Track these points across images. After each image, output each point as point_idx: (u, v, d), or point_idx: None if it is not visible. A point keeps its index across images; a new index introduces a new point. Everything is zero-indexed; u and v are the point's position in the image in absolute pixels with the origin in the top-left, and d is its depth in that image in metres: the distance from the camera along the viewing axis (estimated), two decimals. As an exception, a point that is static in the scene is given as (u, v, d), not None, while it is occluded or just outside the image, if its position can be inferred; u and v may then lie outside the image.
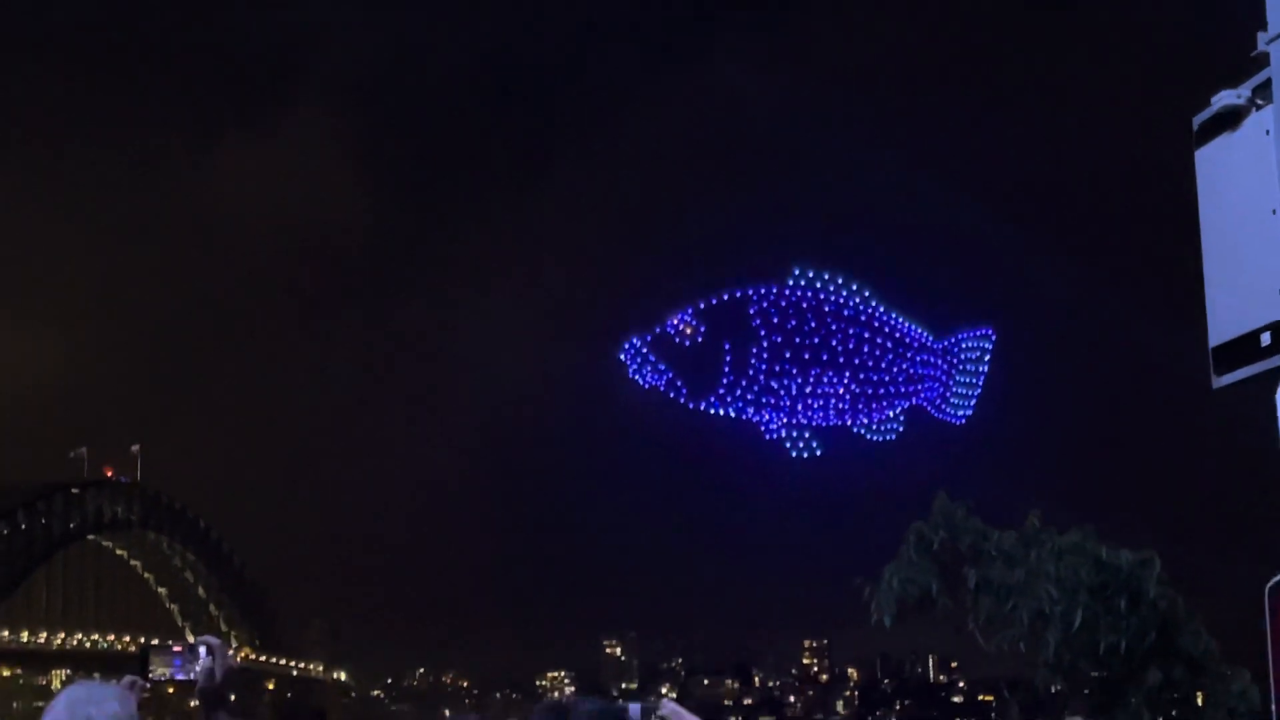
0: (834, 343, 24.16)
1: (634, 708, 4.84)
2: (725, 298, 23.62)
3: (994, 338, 27.21)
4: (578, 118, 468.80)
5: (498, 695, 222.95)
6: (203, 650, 5.39)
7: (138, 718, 4.76)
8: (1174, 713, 17.94)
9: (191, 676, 5.37)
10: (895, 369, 25.21)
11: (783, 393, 23.66)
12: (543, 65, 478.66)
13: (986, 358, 26.98)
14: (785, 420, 23.78)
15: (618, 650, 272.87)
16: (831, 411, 24.27)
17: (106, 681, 5.00)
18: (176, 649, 5.56)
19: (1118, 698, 17.39)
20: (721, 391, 23.28)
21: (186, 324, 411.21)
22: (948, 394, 26.47)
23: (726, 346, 23.35)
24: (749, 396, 23.45)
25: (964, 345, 26.83)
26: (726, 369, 23.29)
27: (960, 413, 26.71)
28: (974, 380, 26.90)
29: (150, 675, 5.50)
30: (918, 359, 25.77)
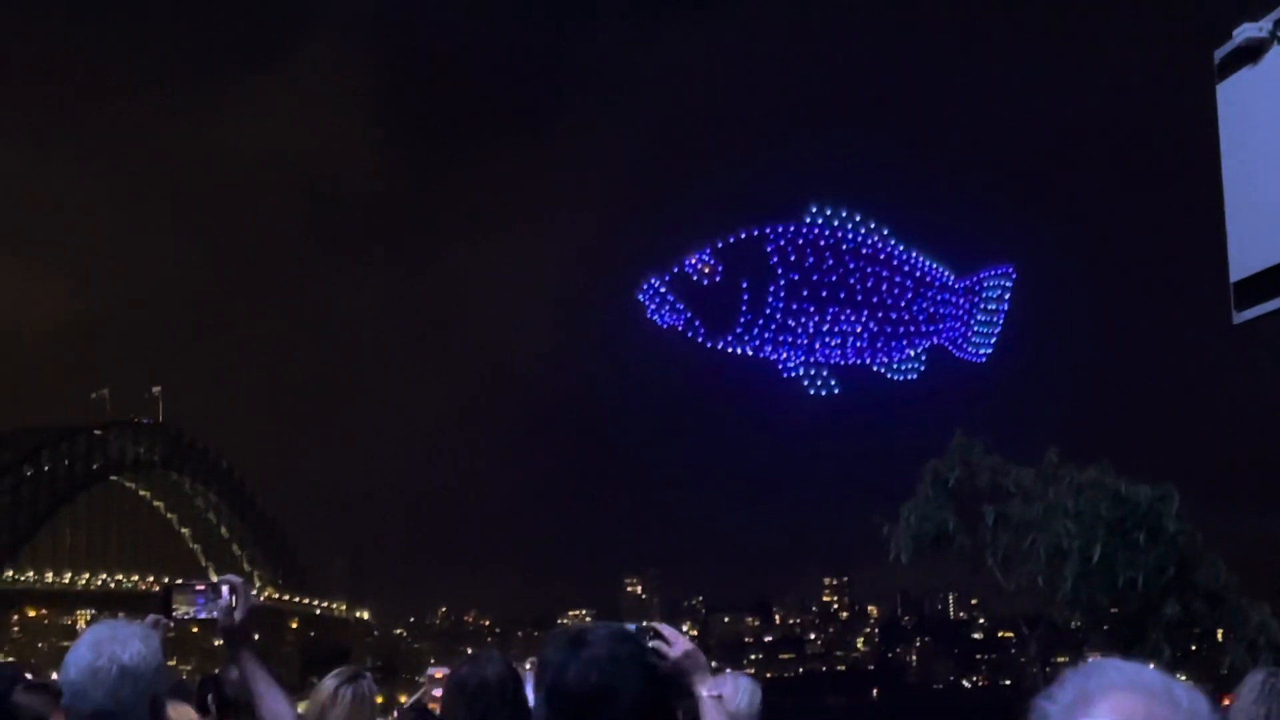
0: (852, 281, 24.05)
1: (629, 628, 4.85)
2: (742, 236, 23.51)
3: (1014, 276, 27.04)
4: (594, 62, 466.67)
5: (519, 634, 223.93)
6: (225, 589, 5.42)
7: (162, 656, 4.80)
8: (1194, 647, 17.98)
9: (214, 615, 5.40)
10: (915, 308, 25.09)
11: (800, 331, 23.58)
12: (559, 8, 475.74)
13: (1007, 296, 26.84)
14: (803, 359, 23.71)
15: (639, 588, 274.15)
16: (850, 350, 24.20)
17: (130, 621, 5.03)
18: (199, 588, 5.59)
19: (1137, 632, 17.43)
20: (739, 330, 23.21)
21: (205, 267, 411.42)
22: (969, 333, 26.33)
23: (744, 285, 23.25)
24: (766, 335, 23.38)
25: (985, 284, 26.67)
26: (744, 307, 23.20)
27: (981, 351, 26.61)
28: (994, 319, 26.79)
29: (173, 614, 5.53)
30: (939, 298, 25.64)
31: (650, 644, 4.76)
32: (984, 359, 26.63)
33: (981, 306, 26.50)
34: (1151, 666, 2.14)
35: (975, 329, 26.40)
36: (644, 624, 4.93)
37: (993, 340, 26.65)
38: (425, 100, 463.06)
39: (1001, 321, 26.81)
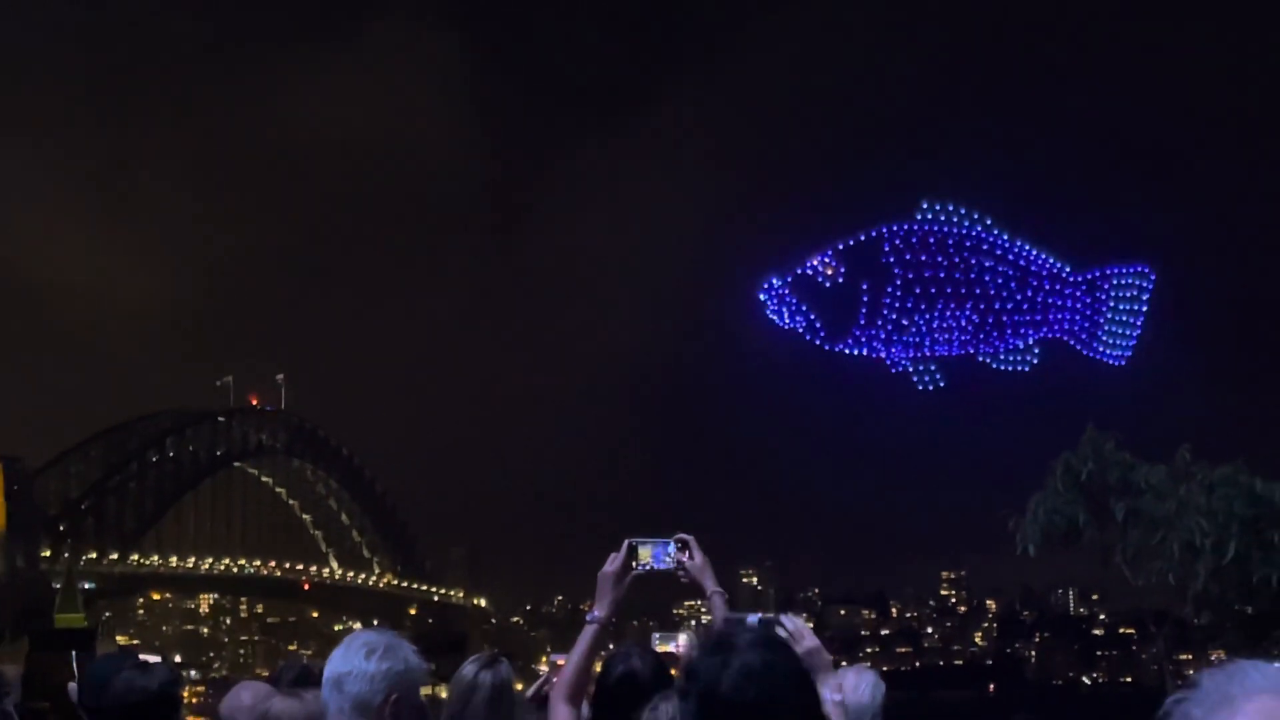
0: (957, 274, 23.85)
1: (751, 618, 4.82)
2: (861, 238, 23.49)
3: (1152, 276, 26.05)
4: (698, 44, 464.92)
5: (634, 623, 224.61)
6: (673, 545, 5.77)
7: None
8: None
9: (670, 568, 5.69)
10: (1021, 297, 24.70)
11: (911, 327, 23.44)
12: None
13: (1145, 296, 25.90)
14: (911, 355, 23.58)
15: (754, 580, 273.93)
16: (955, 342, 23.97)
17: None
18: (656, 541, 5.97)
19: (1267, 632, 17.14)
20: (856, 333, 23.18)
21: (320, 252, 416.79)
22: (1098, 330, 25.60)
23: (864, 287, 23.22)
24: (880, 335, 23.30)
25: (1115, 281, 25.88)
26: (863, 310, 23.14)
27: (1117, 352, 25.76)
28: (1131, 319, 25.91)
29: (633, 568, 5.89)
30: (1048, 288, 25.17)
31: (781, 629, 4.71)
32: (1123, 362, 25.80)
33: (1111, 304, 25.75)
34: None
35: (1106, 327, 25.65)
36: (766, 616, 4.85)
37: (1132, 342, 25.77)
38: (522, 74, 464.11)
39: (1141, 322, 25.90)
